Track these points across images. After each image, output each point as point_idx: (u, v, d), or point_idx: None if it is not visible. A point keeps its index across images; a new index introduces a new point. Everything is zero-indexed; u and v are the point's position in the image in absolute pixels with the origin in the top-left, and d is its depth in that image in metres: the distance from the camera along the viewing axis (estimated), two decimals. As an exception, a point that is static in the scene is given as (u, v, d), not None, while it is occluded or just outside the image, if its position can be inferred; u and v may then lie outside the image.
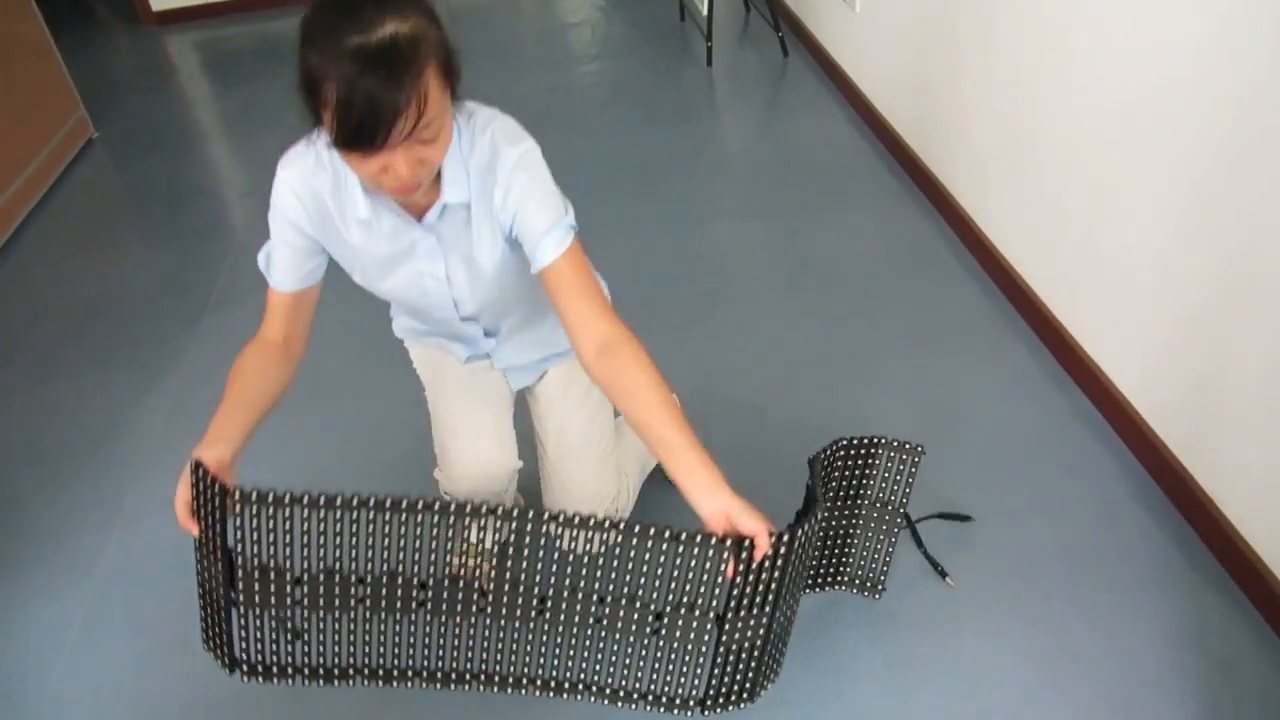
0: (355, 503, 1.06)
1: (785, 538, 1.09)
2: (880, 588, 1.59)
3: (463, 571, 1.69)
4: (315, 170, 1.19)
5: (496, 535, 1.12)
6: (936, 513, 1.70)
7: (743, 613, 1.14)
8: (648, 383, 1.12)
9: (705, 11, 3.77)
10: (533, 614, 1.17)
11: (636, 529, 1.08)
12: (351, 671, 1.19)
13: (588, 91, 3.77)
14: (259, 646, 1.18)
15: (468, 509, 1.09)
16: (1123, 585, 1.60)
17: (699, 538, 1.08)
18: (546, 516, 1.08)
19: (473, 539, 1.72)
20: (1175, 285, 1.66)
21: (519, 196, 1.20)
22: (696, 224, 2.79)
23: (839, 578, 1.58)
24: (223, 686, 1.39)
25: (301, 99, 1.02)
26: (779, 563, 1.10)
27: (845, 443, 1.40)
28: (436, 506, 1.08)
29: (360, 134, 0.99)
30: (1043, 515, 1.73)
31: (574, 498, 1.54)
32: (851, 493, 1.46)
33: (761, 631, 1.17)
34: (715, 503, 1.05)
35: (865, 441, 1.40)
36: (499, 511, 1.09)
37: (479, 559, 1.70)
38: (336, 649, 1.19)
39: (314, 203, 1.21)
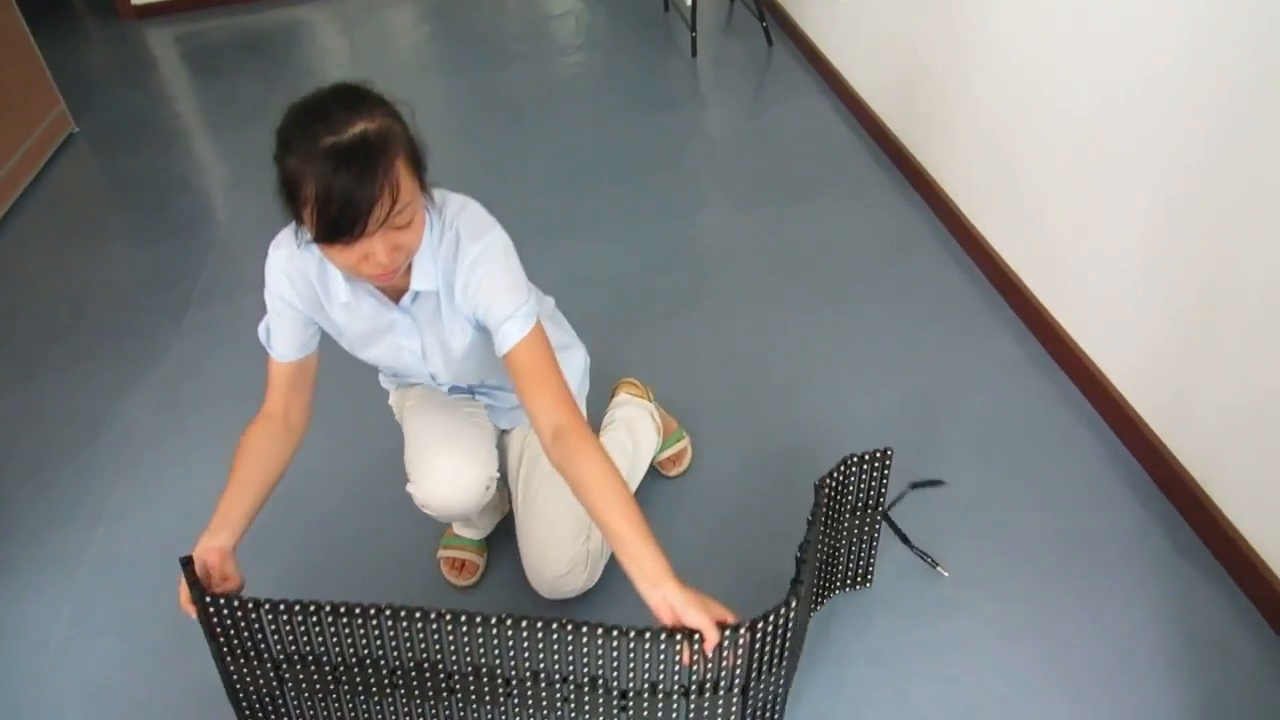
0: (313, 609, 1.16)
1: (744, 629, 1.11)
2: (869, 578, 1.60)
3: (451, 567, 1.69)
4: (303, 252, 1.27)
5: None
6: (909, 484, 1.62)
7: (707, 694, 1.18)
8: (599, 473, 1.19)
9: (689, 2, 3.76)
10: (500, 696, 1.23)
11: (585, 629, 1.12)
12: None
13: (572, 82, 3.75)
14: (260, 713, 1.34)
15: (416, 614, 1.15)
16: (1111, 569, 1.61)
17: (648, 634, 1.12)
18: (495, 621, 1.14)
19: (459, 532, 1.73)
20: (1162, 272, 1.67)
21: (476, 291, 1.27)
22: (681, 214, 2.79)
23: (831, 589, 1.58)
24: (211, 682, 1.39)
25: (282, 202, 1.11)
26: (740, 651, 1.13)
27: (827, 483, 1.37)
28: (388, 612, 1.16)
29: (339, 225, 1.06)
30: (1031, 500, 1.74)
31: (543, 540, 1.53)
32: (833, 514, 1.45)
33: (734, 708, 1.20)
34: (659, 593, 1.11)
35: (838, 470, 1.39)
36: (447, 616, 1.15)
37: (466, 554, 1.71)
38: (327, 715, 1.32)
39: (302, 282, 1.30)
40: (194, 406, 2.21)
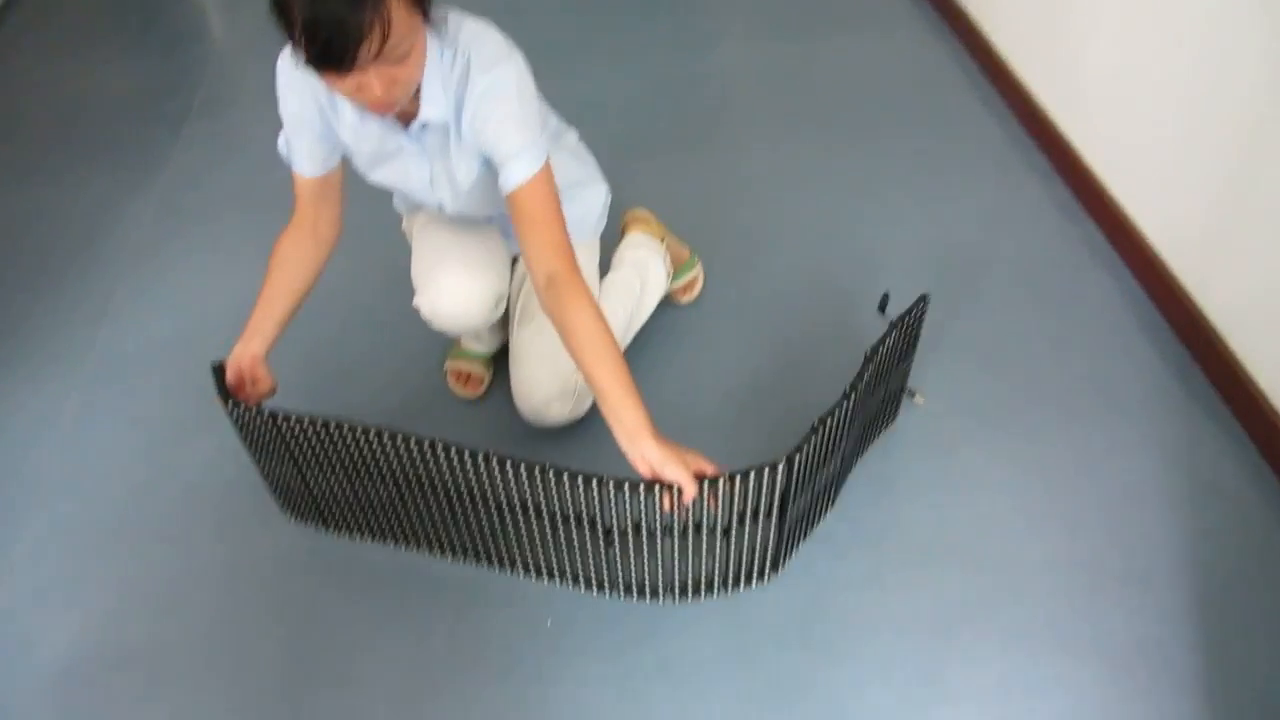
0: (321, 425, 1.21)
1: (721, 481, 1.12)
2: (895, 418, 1.59)
3: (457, 379, 1.68)
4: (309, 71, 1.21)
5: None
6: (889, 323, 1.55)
7: (690, 536, 1.21)
8: (587, 324, 1.18)
9: None
10: (496, 523, 1.28)
11: (567, 475, 1.14)
12: (363, 529, 1.43)
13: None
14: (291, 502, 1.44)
15: (412, 439, 1.18)
16: (1121, 408, 1.60)
17: (627, 485, 1.13)
18: (482, 456, 1.16)
19: (466, 346, 1.71)
20: (1202, 120, 1.60)
21: (484, 124, 1.23)
22: (701, 44, 2.67)
23: (870, 441, 1.56)
24: (222, 474, 1.39)
25: (275, 21, 1.06)
26: (721, 500, 1.15)
27: (880, 351, 1.31)
28: (386, 435, 1.19)
29: (327, 56, 1.03)
30: (1047, 341, 1.72)
31: (531, 368, 1.52)
32: (879, 376, 1.39)
33: (717, 548, 1.24)
34: (637, 449, 1.12)
35: (888, 336, 1.32)
36: (439, 445, 1.17)
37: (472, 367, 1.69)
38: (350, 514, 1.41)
39: (311, 99, 1.27)
40: (196, 215, 2.16)
